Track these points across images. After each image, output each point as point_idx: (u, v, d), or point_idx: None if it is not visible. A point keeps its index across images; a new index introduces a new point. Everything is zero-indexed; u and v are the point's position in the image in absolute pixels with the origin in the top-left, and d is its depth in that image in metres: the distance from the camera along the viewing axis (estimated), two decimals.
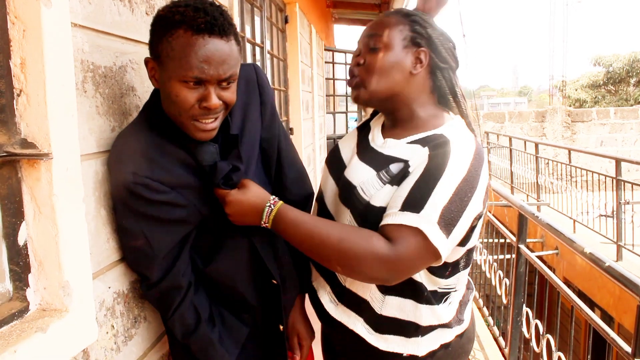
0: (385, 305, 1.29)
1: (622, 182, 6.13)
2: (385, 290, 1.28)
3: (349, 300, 1.33)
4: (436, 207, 1.12)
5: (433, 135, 1.26)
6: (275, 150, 1.41)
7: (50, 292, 1.01)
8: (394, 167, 1.25)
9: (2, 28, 0.93)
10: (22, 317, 0.97)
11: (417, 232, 1.12)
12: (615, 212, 6.17)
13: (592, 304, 5.89)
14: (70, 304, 1.01)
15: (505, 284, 3.62)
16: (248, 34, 3.48)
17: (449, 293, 1.32)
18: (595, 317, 2.15)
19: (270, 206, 1.22)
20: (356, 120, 9.71)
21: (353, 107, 9.51)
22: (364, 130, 1.48)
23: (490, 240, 4.62)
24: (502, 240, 4.16)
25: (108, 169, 1.19)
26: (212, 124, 1.15)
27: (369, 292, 1.29)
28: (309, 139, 5.94)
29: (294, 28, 5.23)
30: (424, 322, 1.29)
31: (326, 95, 8.45)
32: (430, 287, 1.28)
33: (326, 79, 8.48)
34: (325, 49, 8.37)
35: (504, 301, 3.61)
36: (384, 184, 1.23)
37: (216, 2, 1.14)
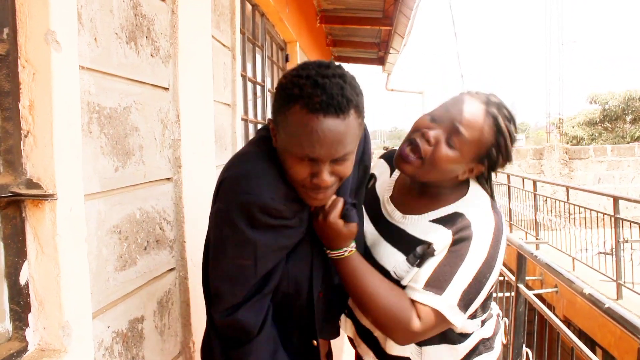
0: (425, 355, 1.37)
1: (621, 220, 6.13)
2: (420, 344, 1.35)
3: None
4: (457, 291, 1.23)
5: (455, 215, 1.30)
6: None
7: (49, 332, 1.01)
8: (420, 249, 1.31)
9: (13, 72, 0.96)
10: (20, 358, 0.97)
11: (439, 313, 1.22)
12: (614, 250, 6.15)
13: (593, 344, 5.82)
14: (69, 345, 1.01)
15: (505, 323, 3.58)
16: (249, 73, 3.54)
17: (474, 331, 1.40)
18: (596, 358, 2.13)
19: (348, 250, 1.27)
20: None
21: None
22: (368, 194, 1.52)
23: None
24: (500, 278, 4.14)
25: (227, 186, 1.15)
26: (322, 195, 1.15)
27: (409, 350, 1.37)
28: None
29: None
30: (460, 356, 1.39)
31: None
32: (457, 330, 1.35)
33: None
34: None
35: (504, 341, 3.57)
36: (412, 266, 1.30)
37: (342, 72, 1.11)
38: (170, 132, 1.59)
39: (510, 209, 9.84)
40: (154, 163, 1.47)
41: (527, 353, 2.99)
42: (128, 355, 1.27)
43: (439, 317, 1.23)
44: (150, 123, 1.45)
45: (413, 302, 1.24)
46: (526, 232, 9.06)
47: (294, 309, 1.32)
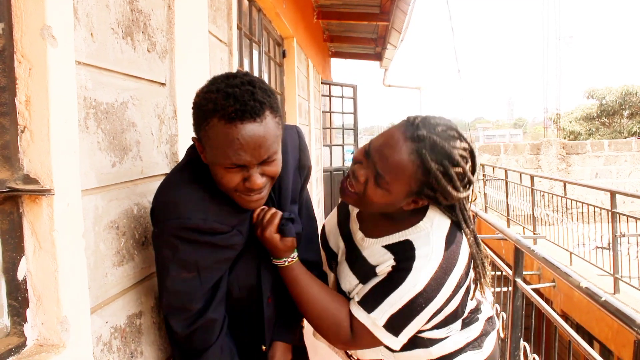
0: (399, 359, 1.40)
1: (618, 215, 6.15)
2: (392, 350, 1.37)
3: None
4: (384, 314, 1.27)
5: (404, 242, 1.31)
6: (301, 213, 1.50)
7: (48, 328, 1.01)
8: (370, 274, 1.35)
9: (9, 67, 0.95)
10: (19, 353, 0.97)
11: (367, 328, 1.29)
12: (611, 244, 6.17)
13: (590, 338, 5.84)
14: (67, 340, 1.01)
15: (502, 317, 3.59)
16: (246, 69, 3.53)
17: (447, 336, 1.39)
18: (593, 352, 2.14)
19: (288, 260, 1.35)
20: (352, 152, 9.76)
21: (349, 139, 9.59)
22: (344, 207, 1.58)
23: None
24: (498, 273, 4.15)
25: (158, 213, 1.21)
26: (257, 196, 1.19)
27: (380, 353, 1.41)
28: None
29: (292, 62, 5.31)
30: (435, 355, 1.40)
31: (323, 128, 8.52)
32: (431, 337, 1.38)
33: (323, 112, 8.56)
34: (322, 83, 8.48)
35: (501, 335, 3.58)
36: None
37: (250, 78, 1.14)
38: (167, 128, 1.59)
39: (507, 204, 9.87)
40: (151, 158, 1.47)
41: (524, 347, 3.00)
42: (126, 351, 1.27)
43: (367, 332, 1.29)
44: (147, 118, 1.45)
45: (350, 312, 1.33)
46: (524, 227, 9.08)
47: (244, 314, 1.39)
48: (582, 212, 7.23)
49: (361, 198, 1.30)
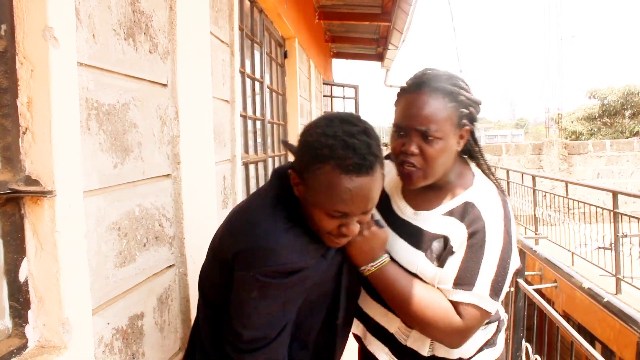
0: (437, 348, 1.40)
1: (620, 215, 6.14)
2: None
3: (410, 355, 1.43)
4: (486, 282, 1.28)
5: (465, 205, 1.35)
6: None
7: (49, 329, 1.01)
8: (436, 245, 1.35)
9: (11, 68, 0.96)
10: (20, 355, 0.97)
11: (476, 307, 1.28)
12: (613, 245, 6.15)
13: (592, 338, 5.83)
14: (69, 341, 1.01)
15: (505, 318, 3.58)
16: (248, 69, 3.53)
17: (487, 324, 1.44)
18: (595, 353, 2.13)
19: (385, 257, 1.33)
20: None
21: None
22: None
23: None
24: None
25: (255, 259, 1.16)
26: (345, 240, 1.21)
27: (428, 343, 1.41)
28: None
29: (293, 63, 5.31)
30: (467, 354, 1.41)
31: None
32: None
33: (324, 112, 8.56)
34: (323, 83, 8.48)
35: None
36: (432, 263, 1.34)
37: (365, 126, 1.14)
38: (169, 129, 1.59)
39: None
40: (152, 159, 1.47)
41: (526, 348, 2.99)
42: (128, 352, 1.27)
43: (476, 310, 1.28)
44: (149, 119, 1.45)
45: (452, 302, 1.30)
46: (525, 228, 9.06)
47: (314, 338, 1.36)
48: (584, 213, 7.22)
49: (427, 168, 1.33)
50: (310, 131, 1.15)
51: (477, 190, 1.37)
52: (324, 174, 1.10)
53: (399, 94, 1.38)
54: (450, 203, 1.37)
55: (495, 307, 1.30)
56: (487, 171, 1.43)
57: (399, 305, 1.34)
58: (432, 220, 1.37)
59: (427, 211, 1.39)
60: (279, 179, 1.26)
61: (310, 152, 1.13)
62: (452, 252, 1.32)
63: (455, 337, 1.31)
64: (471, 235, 1.30)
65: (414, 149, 1.31)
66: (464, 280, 1.29)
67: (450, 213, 1.35)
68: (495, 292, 1.29)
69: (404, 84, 1.38)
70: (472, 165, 1.44)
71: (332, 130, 1.11)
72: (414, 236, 1.38)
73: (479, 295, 1.28)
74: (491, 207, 1.33)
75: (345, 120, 1.15)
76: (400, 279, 1.33)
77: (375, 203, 1.16)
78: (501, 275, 1.29)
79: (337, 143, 1.09)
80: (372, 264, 1.31)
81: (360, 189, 1.10)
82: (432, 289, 1.33)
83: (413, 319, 1.33)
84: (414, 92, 1.33)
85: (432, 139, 1.30)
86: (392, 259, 1.36)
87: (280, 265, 1.14)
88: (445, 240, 1.33)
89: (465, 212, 1.33)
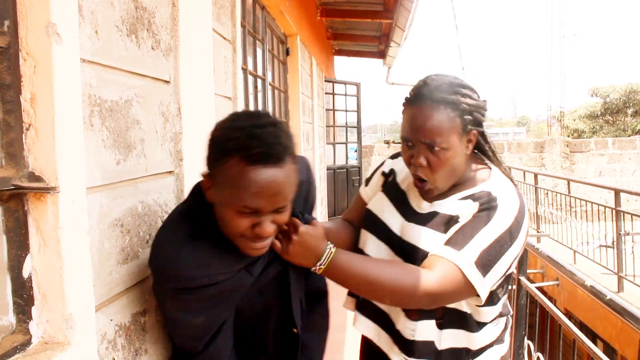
0: (443, 340, 1.41)
1: (622, 213, 6.13)
2: (441, 326, 1.40)
3: (419, 350, 1.41)
4: (475, 249, 1.27)
5: (482, 192, 1.37)
6: None
7: (53, 325, 1.01)
8: (452, 223, 1.36)
9: (14, 64, 0.95)
10: (24, 351, 0.97)
11: (456, 268, 1.26)
12: (615, 243, 6.15)
13: (594, 336, 5.83)
14: (72, 337, 1.01)
15: None
16: (250, 66, 3.53)
17: (493, 319, 1.44)
18: (597, 350, 2.13)
19: (330, 249, 1.28)
20: (355, 150, 9.74)
21: (353, 137, 9.57)
22: (392, 189, 1.55)
23: None
24: None
25: (159, 275, 1.17)
26: (262, 244, 1.14)
27: (432, 334, 1.40)
28: None
29: (295, 60, 5.30)
30: (474, 346, 1.42)
31: (326, 126, 8.51)
32: (477, 317, 1.41)
33: (326, 110, 8.56)
34: (325, 80, 8.47)
35: None
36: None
37: (274, 120, 1.10)
38: (171, 125, 1.59)
39: None
40: (155, 156, 1.47)
41: (528, 346, 2.99)
42: (131, 349, 1.27)
43: (456, 272, 1.25)
44: (152, 116, 1.45)
45: (431, 256, 1.30)
46: None
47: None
48: (586, 211, 7.22)
49: (438, 178, 1.36)
50: (216, 127, 1.12)
51: (494, 182, 1.39)
52: (230, 167, 1.04)
53: (403, 104, 1.40)
54: (468, 191, 1.39)
55: (478, 280, 1.26)
56: (502, 168, 1.44)
57: (365, 288, 1.31)
58: (449, 204, 1.39)
59: (442, 200, 1.41)
60: (194, 192, 1.23)
61: (216, 147, 1.09)
62: (457, 222, 1.35)
63: (429, 298, 1.27)
64: (480, 210, 1.33)
65: (422, 161, 1.35)
66: (456, 240, 1.30)
67: (467, 197, 1.38)
68: (482, 263, 1.26)
69: (408, 95, 1.39)
70: (488, 162, 1.46)
71: (237, 123, 1.08)
72: (431, 220, 1.40)
73: (464, 256, 1.26)
74: (508, 197, 1.35)
75: (252, 115, 1.12)
76: (355, 262, 1.30)
77: (288, 199, 1.10)
78: (494, 250, 1.27)
79: (242, 135, 1.04)
80: (319, 262, 1.26)
81: (268, 181, 1.04)
82: (390, 260, 1.37)
83: (384, 295, 1.31)
84: (415, 104, 1.35)
85: (438, 150, 1.32)
86: (403, 242, 1.38)
87: (181, 282, 1.11)
88: (456, 217, 1.36)
89: (481, 196, 1.35)
